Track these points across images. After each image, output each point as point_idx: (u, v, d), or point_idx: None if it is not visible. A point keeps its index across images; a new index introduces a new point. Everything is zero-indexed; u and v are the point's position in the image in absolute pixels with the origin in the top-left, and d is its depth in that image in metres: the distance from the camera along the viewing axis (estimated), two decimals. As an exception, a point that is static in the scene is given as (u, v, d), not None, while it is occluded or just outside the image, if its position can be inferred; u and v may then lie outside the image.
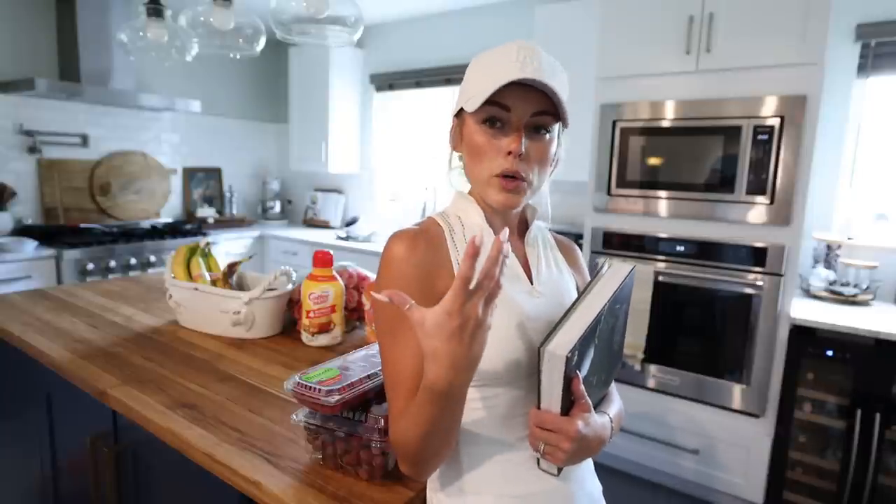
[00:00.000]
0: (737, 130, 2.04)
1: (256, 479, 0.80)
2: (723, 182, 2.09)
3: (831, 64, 2.20)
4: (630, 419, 2.38)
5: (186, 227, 3.50)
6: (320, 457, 0.85)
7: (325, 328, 1.36)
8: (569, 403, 0.68)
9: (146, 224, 3.55)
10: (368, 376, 0.85)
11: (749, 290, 2.08)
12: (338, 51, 3.73)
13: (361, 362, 0.91)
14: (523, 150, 0.72)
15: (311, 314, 1.34)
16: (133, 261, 3.02)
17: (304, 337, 1.38)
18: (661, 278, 2.25)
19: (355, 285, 1.51)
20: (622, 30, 2.27)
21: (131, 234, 3.13)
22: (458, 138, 0.81)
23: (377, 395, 0.84)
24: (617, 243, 2.37)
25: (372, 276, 1.53)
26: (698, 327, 2.21)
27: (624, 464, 2.48)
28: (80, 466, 1.23)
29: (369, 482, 0.81)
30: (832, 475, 1.97)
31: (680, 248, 2.22)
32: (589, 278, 0.92)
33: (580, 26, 2.57)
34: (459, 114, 0.79)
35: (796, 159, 1.94)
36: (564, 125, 0.77)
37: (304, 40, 1.61)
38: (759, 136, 1.99)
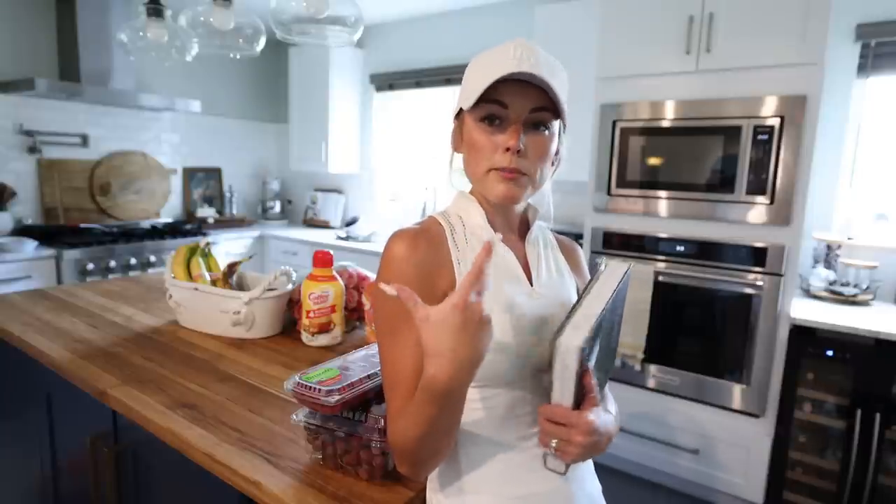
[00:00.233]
0: (737, 130, 2.04)
1: (256, 479, 0.80)
2: (723, 182, 2.09)
3: (831, 64, 2.20)
4: (630, 419, 2.38)
5: (186, 227, 3.50)
6: (320, 457, 0.85)
7: (325, 328, 1.36)
8: (580, 398, 0.67)
9: (146, 224, 3.55)
10: (368, 376, 0.85)
11: (749, 290, 2.08)
12: (338, 51, 3.73)
13: (361, 362, 0.91)
14: (522, 146, 0.72)
15: (311, 314, 1.34)
16: (133, 261, 3.02)
17: (304, 337, 1.38)
18: (661, 278, 2.25)
19: (355, 285, 1.51)
20: (622, 30, 2.27)
21: (131, 234, 3.13)
22: (459, 139, 0.81)
23: (377, 395, 0.84)
24: (617, 243, 2.37)
25: (372, 276, 1.53)
26: (698, 327, 2.21)
27: (624, 464, 2.48)
28: (80, 466, 1.23)
29: (369, 482, 0.81)
30: (832, 475, 1.97)
31: (680, 248, 2.22)
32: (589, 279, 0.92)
33: (580, 26, 2.57)
34: (459, 115, 0.80)
35: (796, 159, 1.94)
36: (563, 123, 0.77)
37: (304, 40, 1.61)
38: (759, 136, 1.99)
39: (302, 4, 1.48)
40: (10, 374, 1.51)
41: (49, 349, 1.27)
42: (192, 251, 1.54)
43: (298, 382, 0.83)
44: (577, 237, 2.48)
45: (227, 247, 3.61)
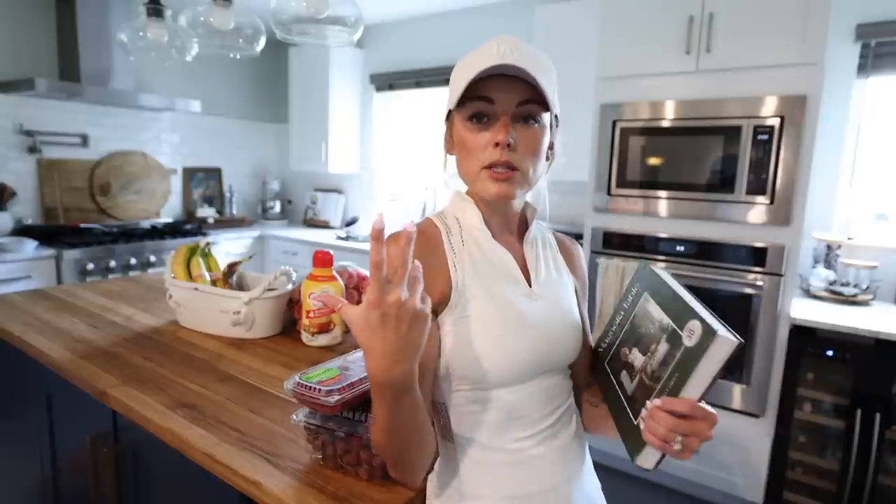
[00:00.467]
0: (737, 130, 2.04)
1: (256, 479, 0.80)
2: (723, 182, 2.09)
3: (831, 64, 2.20)
4: (630, 419, 2.38)
5: (186, 227, 3.50)
6: (320, 457, 0.85)
7: (325, 328, 1.36)
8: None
9: (146, 224, 3.55)
10: (368, 376, 0.85)
11: (749, 290, 2.08)
12: (338, 51, 3.73)
13: (361, 362, 0.91)
14: (511, 140, 0.71)
15: (311, 314, 1.34)
16: (133, 261, 3.02)
17: (304, 337, 1.38)
18: (661, 278, 2.25)
19: (355, 285, 1.51)
20: (622, 30, 2.27)
21: (131, 234, 3.13)
22: (450, 141, 0.80)
23: (377, 395, 0.84)
24: (617, 243, 2.37)
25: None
26: (698, 327, 2.21)
27: (624, 464, 2.48)
28: (80, 466, 1.23)
29: (369, 482, 0.81)
30: (832, 475, 1.97)
31: (680, 248, 2.22)
32: (587, 281, 0.92)
33: (580, 26, 2.58)
34: (449, 117, 0.79)
35: (796, 159, 1.95)
36: (554, 116, 0.77)
37: (304, 40, 1.61)
38: (759, 136, 2.00)
39: (302, 4, 1.48)
40: (10, 374, 1.51)
41: (49, 349, 1.27)
42: (192, 251, 1.53)
43: (298, 382, 0.83)
44: (577, 237, 2.48)
45: (227, 247, 3.61)
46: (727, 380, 2.14)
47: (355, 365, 0.89)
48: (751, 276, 2.07)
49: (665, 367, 0.67)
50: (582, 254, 0.93)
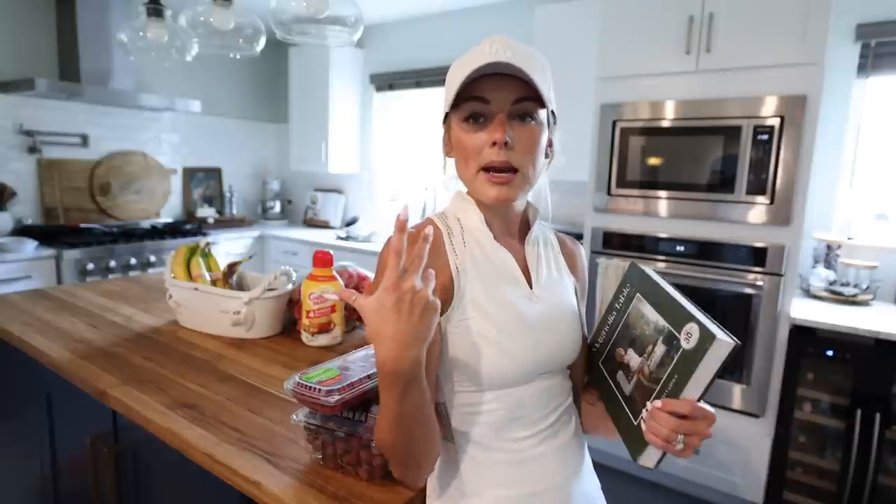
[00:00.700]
0: (737, 130, 2.04)
1: (256, 479, 0.80)
2: (723, 182, 2.09)
3: (831, 64, 2.20)
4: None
5: (186, 227, 3.50)
6: (320, 457, 0.85)
7: (325, 328, 1.36)
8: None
9: (146, 224, 3.55)
10: (368, 376, 0.85)
11: (749, 290, 2.08)
12: (338, 51, 3.73)
13: (361, 362, 0.91)
14: (508, 139, 0.70)
15: (311, 314, 1.34)
16: (133, 261, 3.02)
17: (304, 337, 1.38)
18: (661, 278, 2.25)
19: (355, 285, 1.51)
20: (622, 30, 2.27)
21: (131, 234, 3.13)
22: (448, 144, 0.80)
23: (377, 395, 0.84)
24: (617, 243, 2.37)
25: (372, 276, 1.53)
26: (698, 327, 2.21)
27: (624, 463, 2.48)
28: (80, 466, 1.23)
29: (369, 482, 0.81)
30: (832, 475, 1.97)
31: (680, 248, 2.22)
32: (587, 282, 0.92)
33: (580, 26, 2.57)
34: (447, 119, 0.79)
35: (796, 159, 1.94)
36: (552, 113, 0.77)
37: (304, 40, 1.61)
38: (759, 136, 2.00)
39: (302, 4, 1.48)
40: (10, 374, 1.51)
41: (49, 349, 1.27)
42: (192, 251, 1.54)
43: (298, 382, 0.83)
44: (578, 237, 2.46)
45: (227, 247, 3.61)
46: (727, 380, 2.14)
47: (355, 365, 0.89)
48: (751, 276, 2.07)
49: (663, 368, 0.67)
50: (583, 254, 0.92)
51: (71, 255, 2.77)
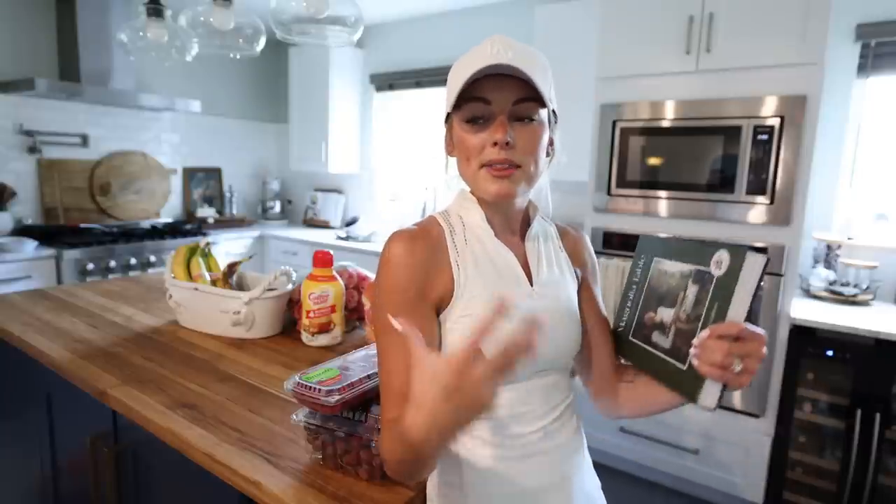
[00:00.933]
0: (737, 130, 2.04)
1: (256, 479, 0.80)
2: (723, 182, 2.09)
3: (831, 64, 2.20)
4: (630, 419, 2.38)
5: (186, 227, 3.50)
6: (320, 457, 0.85)
7: (325, 328, 1.36)
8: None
9: (146, 224, 3.55)
10: (368, 376, 0.85)
11: (749, 290, 2.08)
12: (338, 51, 3.73)
13: (361, 362, 0.91)
14: (509, 139, 0.71)
15: (311, 314, 1.34)
16: (133, 261, 3.02)
17: (304, 337, 1.38)
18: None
19: (355, 285, 1.51)
20: (622, 30, 2.27)
21: (131, 234, 3.13)
22: (450, 143, 0.80)
23: (377, 395, 0.84)
24: (617, 243, 2.37)
25: (372, 275, 1.53)
26: (698, 327, 2.21)
27: (624, 463, 2.48)
28: (80, 466, 1.23)
29: (369, 482, 0.81)
30: (832, 475, 1.97)
31: (680, 248, 2.21)
32: (597, 270, 0.92)
33: (580, 26, 2.58)
34: (449, 119, 0.79)
35: (796, 159, 1.94)
36: (552, 112, 0.77)
37: (304, 40, 1.61)
38: (759, 136, 2.00)
39: (302, 4, 1.48)
40: (10, 374, 1.51)
41: (49, 349, 1.27)
42: (192, 251, 1.54)
43: (298, 382, 0.83)
44: (577, 237, 2.47)
45: (227, 247, 3.61)
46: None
47: (355, 365, 0.89)
48: (751, 276, 2.07)
49: (700, 305, 0.68)
50: (587, 240, 0.92)
51: (71, 255, 2.77)
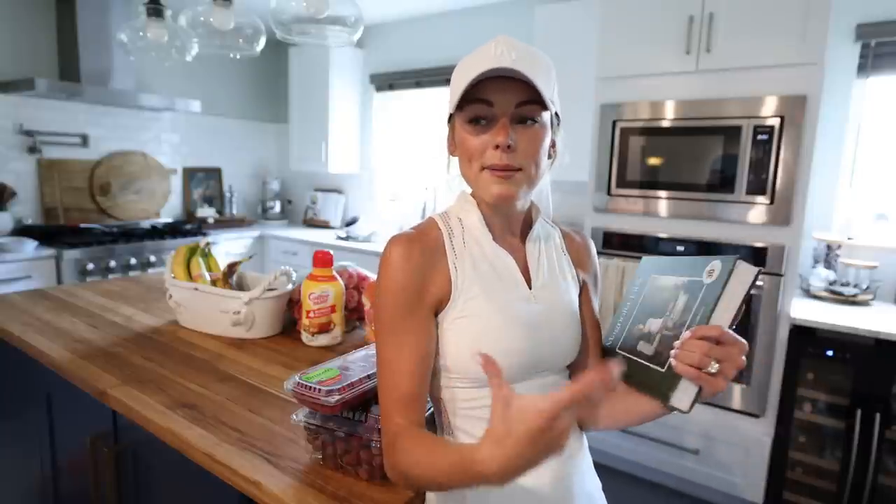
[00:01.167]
0: (737, 130, 2.04)
1: (256, 479, 0.80)
2: (723, 182, 2.09)
3: (831, 64, 2.20)
4: (630, 419, 2.38)
5: (186, 227, 3.50)
6: (320, 457, 0.85)
7: (325, 328, 1.36)
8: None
9: (146, 224, 3.55)
10: (368, 376, 0.85)
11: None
12: (338, 51, 3.73)
13: (361, 362, 0.91)
14: (511, 141, 0.71)
15: (311, 314, 1.34)
16: (133, 261, 3.02)
17: (304, 337, 1.38)
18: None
19: (355, 285, 1.51)
20: (622, 30, 2.27)
21: (131, 234, 3.13)
22: (452, 143, 0.80)
23: (377, 395, 0.84)
24: (617, 243, 2.37)
25: (372, 276, 1.53)
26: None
27: (624, 464, 2.48)
28: (80, 466, 1.24)
29: (369, 482, 0.81)
30: (832, 475, 1.97)
31: (680, 249, 2.22)
32: (598, 279, 0.92)
33: (580, 26, 2.57)
34: (451, 119, 0.79)
35: (796, 159, 1.94)
36: (555, 114, 0.77)
37: (304, 40, 1.61)
38: (759, 136, 2.00)
39: (302, 4, 1.48)
40: (10, 374, 1.51)
41: (49, 349, 1.27)
42: (192, 251, 1.54)
43: (298, 382, 0.83)
44: (577, 237, 2.47)
45: (227, 247, 3.61)
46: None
47: (355, 365, 0.89)
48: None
49: (688, 312, 0.68)
50: (593, 246, 0.92)
51: (71, 255, 2.77)
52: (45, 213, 3.15)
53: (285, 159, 4.46)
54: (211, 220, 3.81)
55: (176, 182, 3.84)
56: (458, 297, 0.74)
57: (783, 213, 1.98)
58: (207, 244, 1.58)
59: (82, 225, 3.21)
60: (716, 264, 0.68)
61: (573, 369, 0.84)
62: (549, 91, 0.72)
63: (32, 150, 3.06)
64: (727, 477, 2.19)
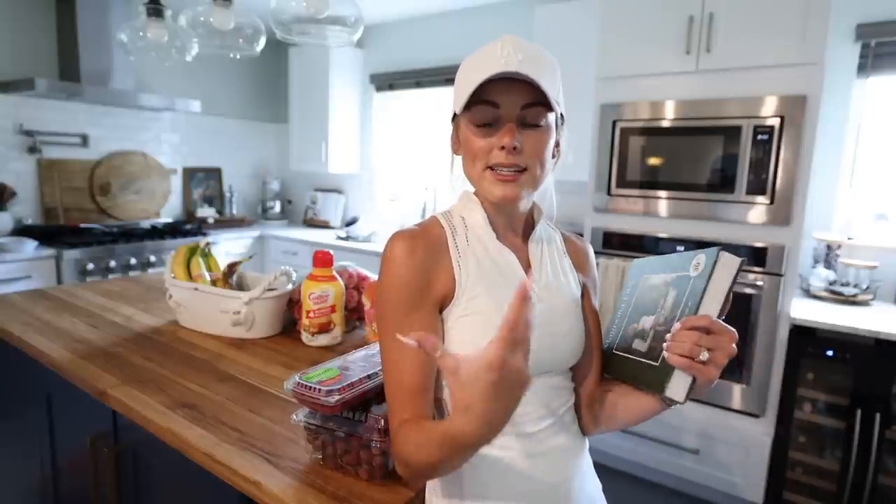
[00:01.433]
0: (737, 130, 2.04)
1: (256, 479, 0.80)
2: (723, 182, 2.09)
3: (831, 64, 2.20)
4: (630, 419, 2.38)
5: (186, 227, 3.50)
6: (320, 457, 0.85)
7: (325, 328, 1.36)
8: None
9: (146, 224, 3.55)
10: (368, 376, 0.85)
11: (749, 290, 2.08)
12: (338, 51, 3.73)
13: (361, 362, 0.91)
14: (516, 143, 0.71)
15: (311, 314, 1.34)
16: (133, 261, 3.02)
17: (304, 337, 1.38)
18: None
19: (355, 285, 1.51)
20: (622, 30, 2.27)
21: (131, 234, 3.13)
22: (456, 142, 0.81)
23: (377, 395, 0.84)
24: (617, 243, 2.37)
25: (372, 276, 1.53)
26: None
27: (624, 464, 2.48)
28: (80, 466, 1.24)
29: (369, 482, 0.81)
30: (832, 475, 1.97)
31: (680, 248, 2.22)
32: (597, 284, 0.93)
33: (580, 26, 2.57)
34: (455, 118, 0.79)
35: (796, 159, 1.94)
36: (559, 115, 0.77)
37: (304, 40, 1.61)
38: (759, 136, 2.00)
39: (302, 4, 1.48)
40: (10, 374, 1.51)
41: (49, 349, 1.27)
42: (192, 251, 1.54)
43: (298, 382, 0.83)
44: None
45: (227, 247, 3.61)
46: (727, 380, 2.14)
47: (355, 365, 0.89)
48: (751, 276, 2.07)
49: (678, 306, 0.70)
50: (592, 251, 0.93)
51: (71, 255, 2.77)
52: (45, 213, 3.15)
53: (285, 159, 4.46)
54: (211, 220, 3.81)
55: (176, 182, 3.84)
56: (461, 295, 0.74)
57: (783, 213, 1.98)
58: (207, 244, 1.58)
59: (82, 225, 3.21)
60: (701, 257, 0.70)
61: (575, 371, 0.84)
62: (554, 92, 0.73)
63: (32, 150, 3.06)
64: (727, 477, 2.19)
